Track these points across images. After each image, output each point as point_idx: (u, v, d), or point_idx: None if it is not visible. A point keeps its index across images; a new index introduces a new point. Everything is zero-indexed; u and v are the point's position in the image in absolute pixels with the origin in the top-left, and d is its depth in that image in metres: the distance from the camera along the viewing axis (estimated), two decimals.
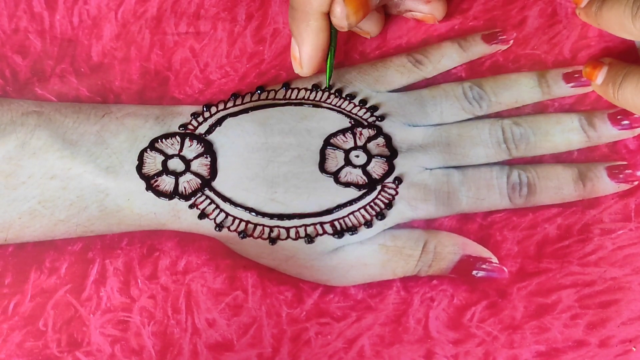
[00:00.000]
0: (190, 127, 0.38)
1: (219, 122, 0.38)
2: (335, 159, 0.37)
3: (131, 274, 0.35)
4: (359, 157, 0.37)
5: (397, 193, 0.36)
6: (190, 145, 0.37)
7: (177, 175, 0.36)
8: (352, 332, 0.34)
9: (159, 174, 0.36)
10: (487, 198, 0.36)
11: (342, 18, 0.34)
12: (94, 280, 0.35)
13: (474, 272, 0.35)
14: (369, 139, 0.37)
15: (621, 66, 0.37)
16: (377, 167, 0.37)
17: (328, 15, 0.35)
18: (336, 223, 0.35)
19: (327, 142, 0.37)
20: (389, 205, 0.36)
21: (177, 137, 0.37)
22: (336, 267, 0.35)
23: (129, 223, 0.36)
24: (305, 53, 0.36)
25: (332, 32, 0.36)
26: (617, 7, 0.36)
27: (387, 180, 0.36)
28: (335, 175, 0.36)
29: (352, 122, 0.38)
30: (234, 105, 0.39)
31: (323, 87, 0.39)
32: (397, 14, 0.40)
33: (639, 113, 0.37)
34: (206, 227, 0.36)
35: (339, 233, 0.35)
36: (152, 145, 0.37)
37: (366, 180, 0.36)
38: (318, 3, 0.34)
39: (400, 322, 0.34)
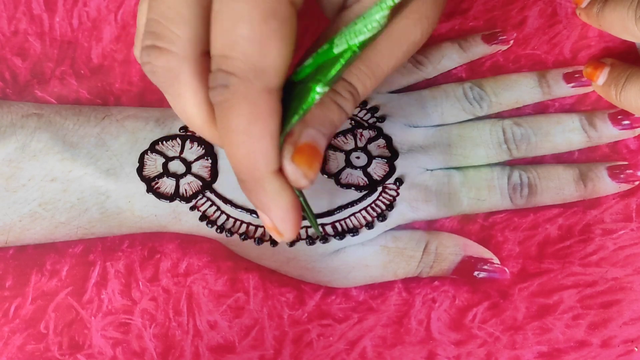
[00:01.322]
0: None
1: None
2: (336, 161, 0.37)
3: (132, 276, 0.35)
4: (360, 159, 0.37)
5: (398, 194, 0.36)
6: (191, 148, 0.37)
7: (177, 177, 0.36)
8: (354, 334, 0.34)
9: (159, 176, 0.36)
10: (488, 199, 0.36)
11: (298, 178, 0.28)
12: (95, 283, 0.35)
13: (476, 273, 0.35)
14: (370, 140, 0.37)
15: (623, 67, 0.37)
16: (377, 169, 0.37)
17: (281, 170, 0.29)
18: (337, 224, 0.35)
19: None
20: (390, 206, 0.36)
21: (178, 139, 0.37)
22: (337, 269, 0.35)
23: (130, 225, 0.36)
24: (278, 219, 0.29)
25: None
26: (620, 9, 0.36)
27: (388, 182, 0.36)
28: (336, 177, 0.36)
29: (353, 124, 0.38)
30: None
31: (316, 237, 0.35)
32: None
33: None
34: (207, 229, 0.36)
35: (340, 234, 0.35)
36: (152, 148, 0.37)
37: (367, 182, 0.36)
38: (264, 164, 0.28)
39: (402, 323, 0.34)
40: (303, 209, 0.31)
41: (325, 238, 0.35)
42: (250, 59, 0.26)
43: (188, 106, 0.29)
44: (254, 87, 0.26)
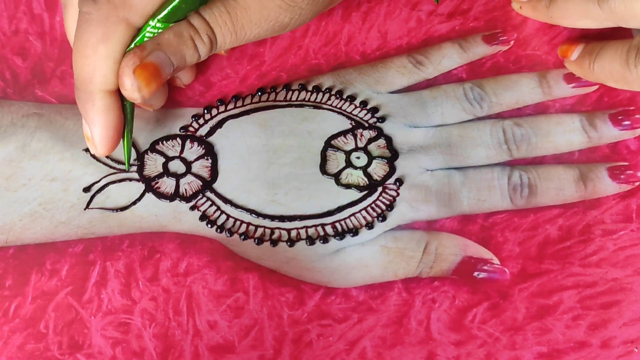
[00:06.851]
0: (191, 129, 0.38)
1: (219, 124, 0.38)
2: (336, 161, 0.37)
3: (132, 276, 0.35)
4: (360, 159, 0.37)
5: (398, 194, 0.36)
6: (191, 147, 0.37)
7: (178, 177, 0.36)
8: (354, 334, 0.34)
9: (159, 176, 0.36)
10: (488, 199, 0.36)
11: (132, 91, 0.31)
12: (95, 283, 0.35)
13: (475, 274, 0.35)
14: (370, 141, 0.37)
15: (598, 43, 0.37)
16: (378, 169, 0.37)
17: (116, 92, 0.32)
18: (337, 224, 0.35)
19: (328, 144, 0.37)
20: (390, 206, 0.36)
21: (178, 139, 0.37)
22: (337, 269, 0.35)
23: (130, 225, 0.36)
24: (97, 134, 0.33)
25: (126, 108, 0.34)
26: None
27: (388, 182, 0.36)
28: (336, 177, 0.36)
29: (353, 124, 0.38)
30: (235, 107, 0.39)
31: (126, 168, 0.36)
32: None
33: (614, 82, 0.36)
34: (207, 228, 0.36)
35: (340, 234, 0.35)
36: (152, 147, 0.37)
37: (367, 182, 0.36)
38: (100, 82, 0.32)
39: (402, 324, 0.34)
40: (124, 136, 0.34)
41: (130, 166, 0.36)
42: None
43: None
44: (117, 13, 0.31)
